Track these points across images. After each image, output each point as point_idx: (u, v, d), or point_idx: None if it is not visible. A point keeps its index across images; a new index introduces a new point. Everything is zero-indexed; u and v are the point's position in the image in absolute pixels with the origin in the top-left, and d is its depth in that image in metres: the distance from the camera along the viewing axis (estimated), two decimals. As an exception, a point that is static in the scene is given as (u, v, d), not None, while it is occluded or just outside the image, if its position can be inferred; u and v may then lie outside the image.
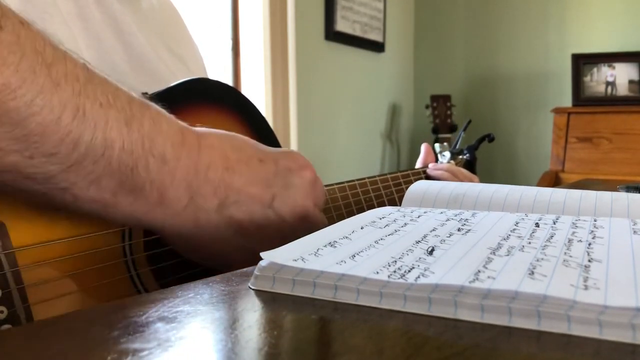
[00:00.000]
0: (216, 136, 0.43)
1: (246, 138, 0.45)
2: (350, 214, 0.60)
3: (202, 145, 0.41)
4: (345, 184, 0.69)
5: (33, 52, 0.32)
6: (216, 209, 0.41)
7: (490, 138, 1.13)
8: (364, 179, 0.74)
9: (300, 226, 0.45)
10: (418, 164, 0.96)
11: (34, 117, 0.31)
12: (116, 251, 0.43)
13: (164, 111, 0.40)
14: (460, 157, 1.04)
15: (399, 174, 0.81)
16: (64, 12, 0.52)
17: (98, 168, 0.35)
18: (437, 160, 0.99)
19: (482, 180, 0.83)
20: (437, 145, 1.02)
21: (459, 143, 1.11)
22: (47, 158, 0.33)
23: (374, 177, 0.76)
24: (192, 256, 0.45)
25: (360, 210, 0.69)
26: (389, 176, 0.78)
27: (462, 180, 0.91)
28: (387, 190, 0.76)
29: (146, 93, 0.53)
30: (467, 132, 1.21)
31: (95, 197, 0.36)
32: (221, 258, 0.43)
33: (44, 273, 0.38)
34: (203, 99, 0.57)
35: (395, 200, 0.77)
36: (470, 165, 1.04)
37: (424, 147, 0.97)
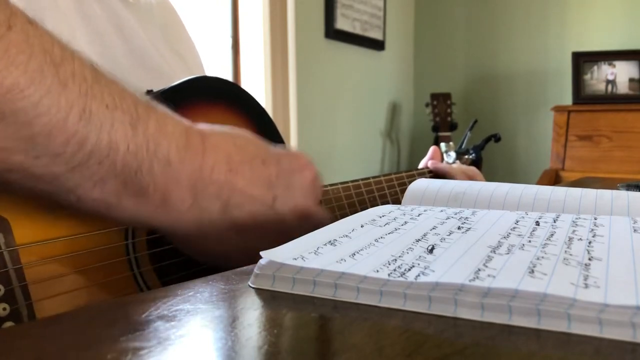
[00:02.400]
0: (220, 136, 0.43)
1: (249, 136, 0.45)
2: (354, 213, 0.60)
3: (207, 147, 0.41)
4: (350, 184, 0.69)
5: (41, 51, 0.31)
6: (219, 210, 0.41)
7: (496, 138, 1.13)
8: (368, 178, 0.73)
9: (301, 225, 0.45)
10: (422, 165, 0.96)
11: (40, 117, 0.31)
12: (119, 249, 0.44)
13: (169, 112, 0.40)
14: (466, 156, 1.05)
15: (403, 173, 0.80)
16: (63, 8, 0.52)
17: (102, 169, 0.35)
18: (442, 160, 0.99)
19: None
20: (442, 144, 1.02)
21: (464, 143, 1.11)
22: (52, 158, 0.33)
23: (378, 176, 0.75)
24: (194, 255, 0.45)
25: (364, 209, 0.69)
26: (393, 176, 0.78)
27: (467, 172, 0.91)
28: (391, 190, 0.76)
29: (151, 90, 0.54)
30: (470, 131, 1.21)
31: (98, 198, 0.36)
32: (223, 257, 0.44)
33: (46, 271, 0.38)
34: (207, 97, 0.57)
35: (399, 200, 0.77)
36: (475, 165, 1.04)
37: (431, 149, 0.97)
